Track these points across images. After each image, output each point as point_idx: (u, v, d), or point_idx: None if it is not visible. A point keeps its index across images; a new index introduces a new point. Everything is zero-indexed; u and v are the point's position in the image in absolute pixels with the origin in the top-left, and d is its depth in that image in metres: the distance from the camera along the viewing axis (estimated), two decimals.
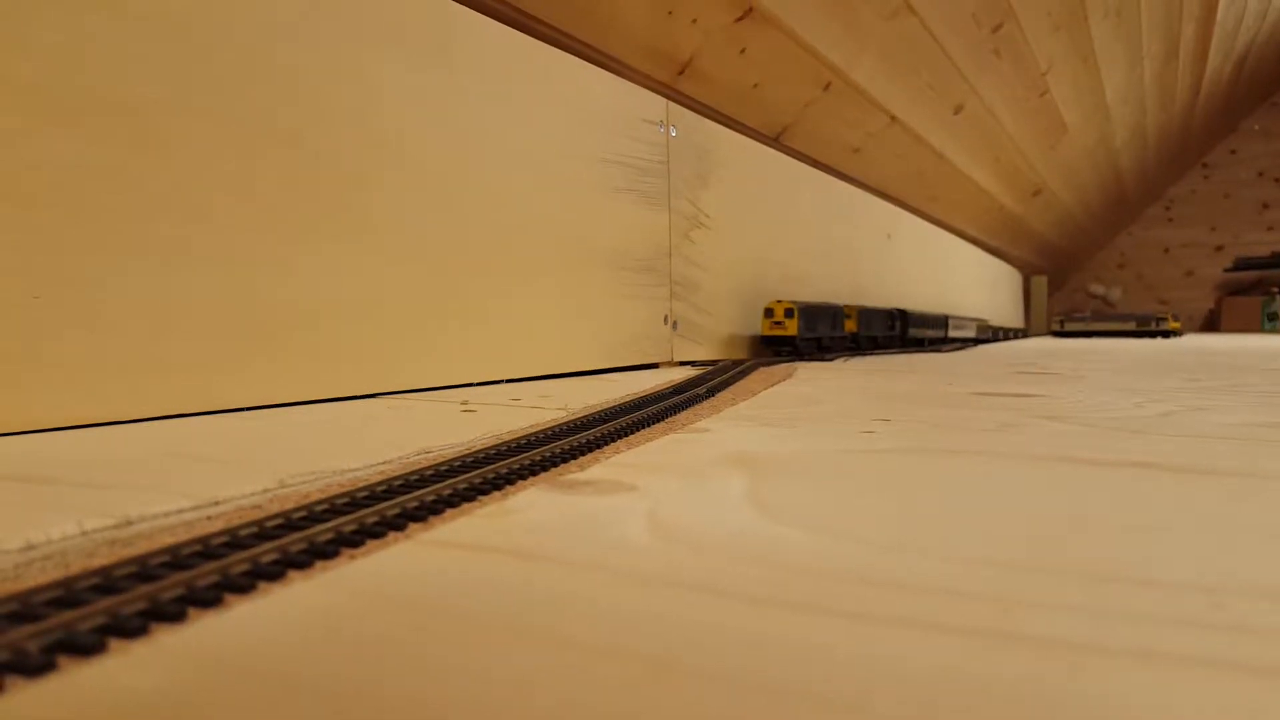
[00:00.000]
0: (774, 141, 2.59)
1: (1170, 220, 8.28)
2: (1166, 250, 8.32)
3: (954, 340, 3.65)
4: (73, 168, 0.85)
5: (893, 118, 2.93)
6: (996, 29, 2.86)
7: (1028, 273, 7.29)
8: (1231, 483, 0.61)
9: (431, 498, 0.52)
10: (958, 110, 3.25)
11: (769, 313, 2.27)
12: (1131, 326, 5.77)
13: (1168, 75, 4.72)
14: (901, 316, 3.02)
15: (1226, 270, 7.87)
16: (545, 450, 0.68)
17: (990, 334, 4.62)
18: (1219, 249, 8.12)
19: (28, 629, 0.31)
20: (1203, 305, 8.17)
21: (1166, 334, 5.63)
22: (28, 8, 0.82)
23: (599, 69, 1.71)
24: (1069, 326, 6.00)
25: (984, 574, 0.40)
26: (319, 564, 0.41)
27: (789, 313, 2.23)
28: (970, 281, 5.10)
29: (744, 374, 1.58)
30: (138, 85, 0.91)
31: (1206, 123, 6.76)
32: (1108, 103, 4.40)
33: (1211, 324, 8.05)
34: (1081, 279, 8.61)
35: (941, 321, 3.23)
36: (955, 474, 0.66)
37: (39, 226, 0.83)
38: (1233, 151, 8.04)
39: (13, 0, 0.81)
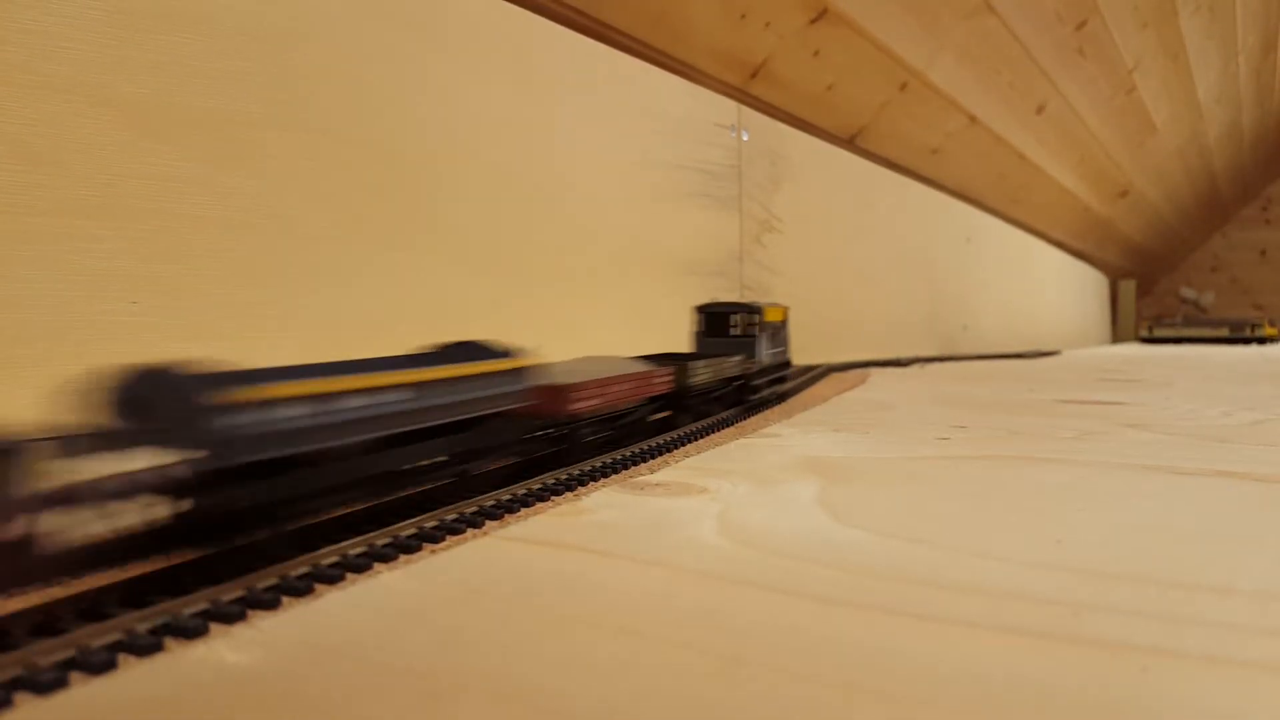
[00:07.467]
0: (848, 144, 2.56)
1: (1268, 221, 7.90)
2: (1263, 253, 7.93)
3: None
4: (167, 179, 0.90)
5: (972, 118, 2.87)
6: (1080, 26, 2.78)
7: (1115, 276, 7.05)
8: None
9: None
10: (1040, 110, 3.17)
11: None
12: (1224, 333, 5.54)
13: (1265, 69, 4.52)
14: None
15: None
16: (617, 453, 0.70)
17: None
18: None
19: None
20: None
21: (1262, 340, 5.39)
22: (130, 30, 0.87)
23: (671, 74, 1.73)
24: (1157, 332, 5.79)
25: (1056, 579, 0.39)
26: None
27: None
28: (1053, 284, 4.97)
29: (815, 379, 1.57)
30: (226, 99, 0.95)
31: None
32: (1199, 100, 4.23)
33: None
34: (1172, 283, 8.28)
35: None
36: (1031, 481, 0.65)
37: (138, 235, 0.88)
38: None
39: (117, 25, 0.86)
